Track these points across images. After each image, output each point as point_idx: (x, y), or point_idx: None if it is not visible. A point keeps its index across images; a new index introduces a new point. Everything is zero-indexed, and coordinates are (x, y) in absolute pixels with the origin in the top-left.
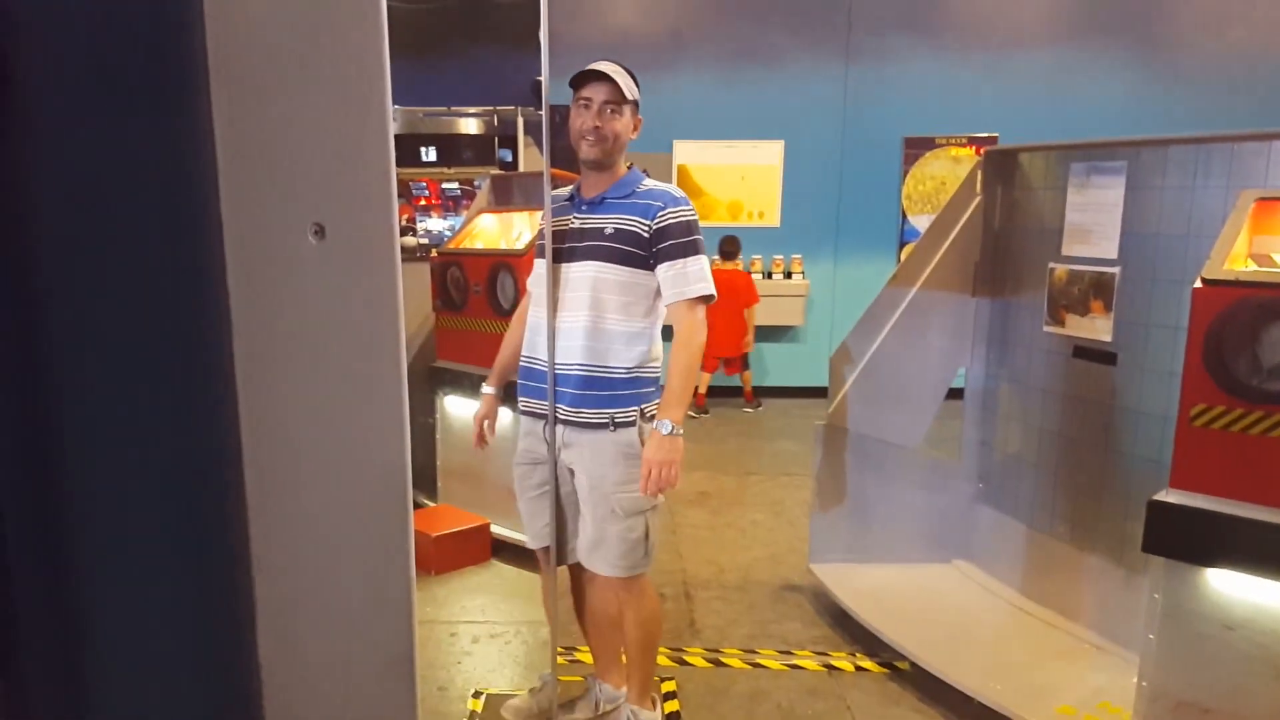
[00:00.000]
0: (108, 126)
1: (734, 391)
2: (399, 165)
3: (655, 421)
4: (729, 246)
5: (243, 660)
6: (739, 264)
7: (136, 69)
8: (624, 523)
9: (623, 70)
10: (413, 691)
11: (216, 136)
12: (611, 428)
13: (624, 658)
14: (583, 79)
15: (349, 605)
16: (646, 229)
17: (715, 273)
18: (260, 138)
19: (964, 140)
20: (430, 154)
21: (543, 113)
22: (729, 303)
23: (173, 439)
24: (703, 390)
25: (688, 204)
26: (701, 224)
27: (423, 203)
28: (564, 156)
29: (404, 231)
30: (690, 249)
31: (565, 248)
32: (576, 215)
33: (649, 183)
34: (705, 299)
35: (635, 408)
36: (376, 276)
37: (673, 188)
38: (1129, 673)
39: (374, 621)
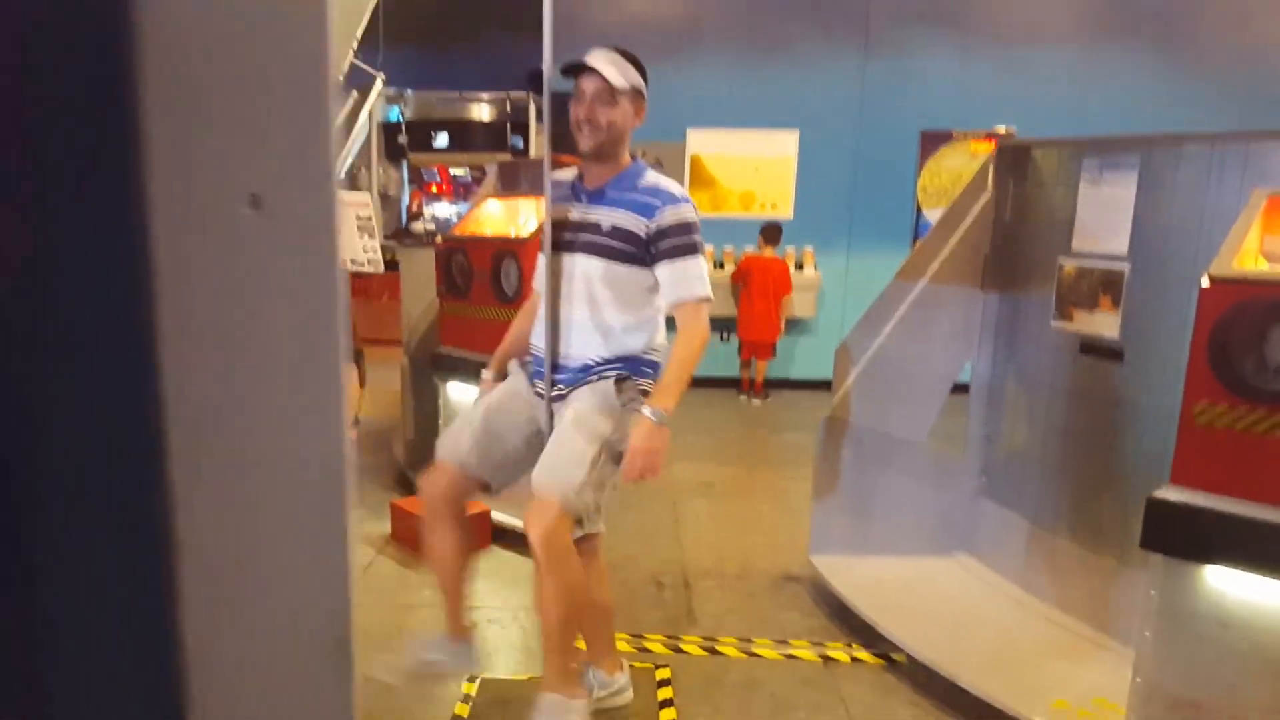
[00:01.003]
0: (18, 87)
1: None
2: (413, 150)
3: (645, 408)
4: (770, 233)
5: (166, 647)
6: (777, 251)
7: (52, 27)
8: (578, 437)
9: (619, 57)
10: (350, 676)
11: (141, 98)
12: (596, 379)
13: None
14: (574, 69)
15: (282, 590)
16: (644, 228)
17: (754, 258)
18: (190, 100)
19: (982, 134)
20: (442, 139)
21: (544, 100)
22: (766, 288)
23: (93, 422)
24: (759, 379)
25: (688, 202)
26: (715, 215)
27: (433, 189)
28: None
29: (413, 218)
30: (688, 249)
31: (565, 238)
32: (576, 205)
33: (651, 177)
34: (705, 300)
35: (626, 373)
36: (316, 249)
37: (674, 185)
38: (1127, 669)
39: (310, 606)
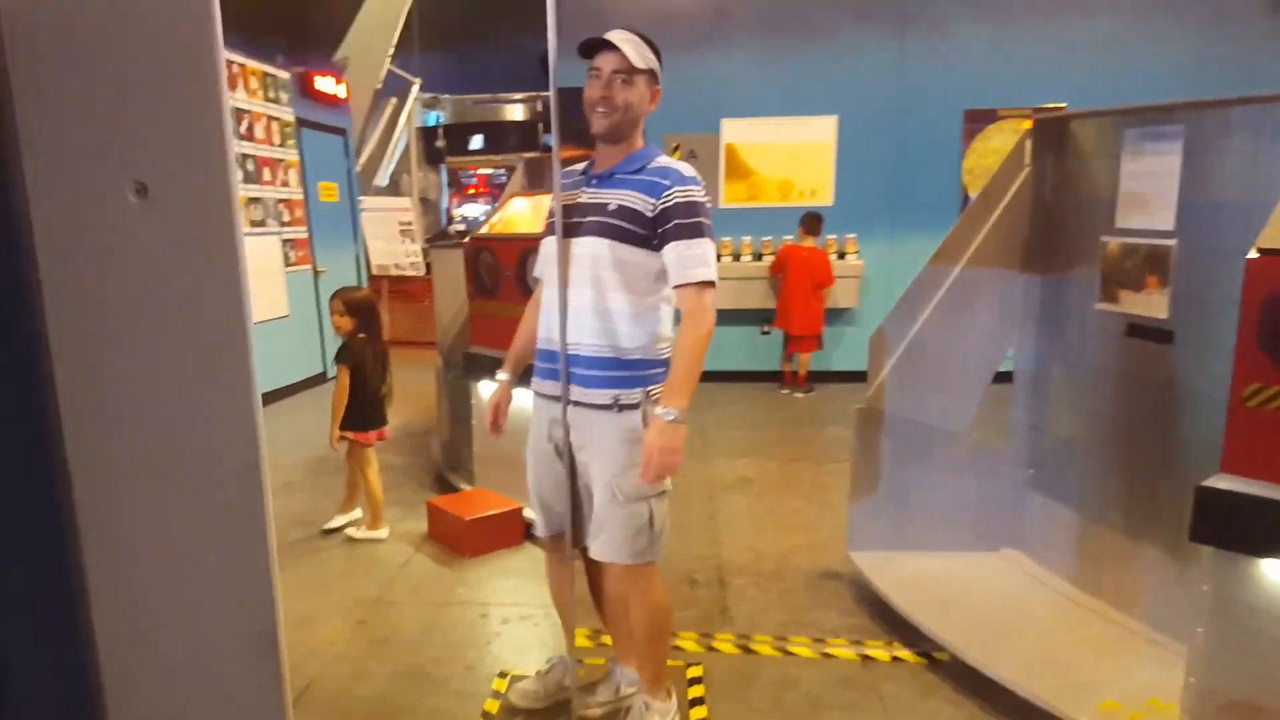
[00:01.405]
0: None
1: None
2: (450, 154)
3: (657, 407)
4: (811, 222)
5: (77, 650)
6: (817, 241)
7: None
8: (625, 509)
9: (637, 38)
10: (279, 669)
11: (11, 78)
12: (616, 409)
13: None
14: (592, 48)
15: (199, 585)
16: (651, 208)
17: (792, 249)
18: (66, 82)
19: (1029, 112)
20: (477, 141)
21: (550, 90)
22: (803, 280)
23: None
24: (802, 371)
25: (697, 183)
26: (752, 205)
27: (470, 191)
28: (588, 139)
29: (452, 220)
30: (694, 230)
31: (573, 222)
32: (586, 190)
33: (662, 159)
34: (709, 284)
35: (640, 389)
36: (212, 239)
37: (684, 166)
38: (1181, 668)
39: (231, 600)
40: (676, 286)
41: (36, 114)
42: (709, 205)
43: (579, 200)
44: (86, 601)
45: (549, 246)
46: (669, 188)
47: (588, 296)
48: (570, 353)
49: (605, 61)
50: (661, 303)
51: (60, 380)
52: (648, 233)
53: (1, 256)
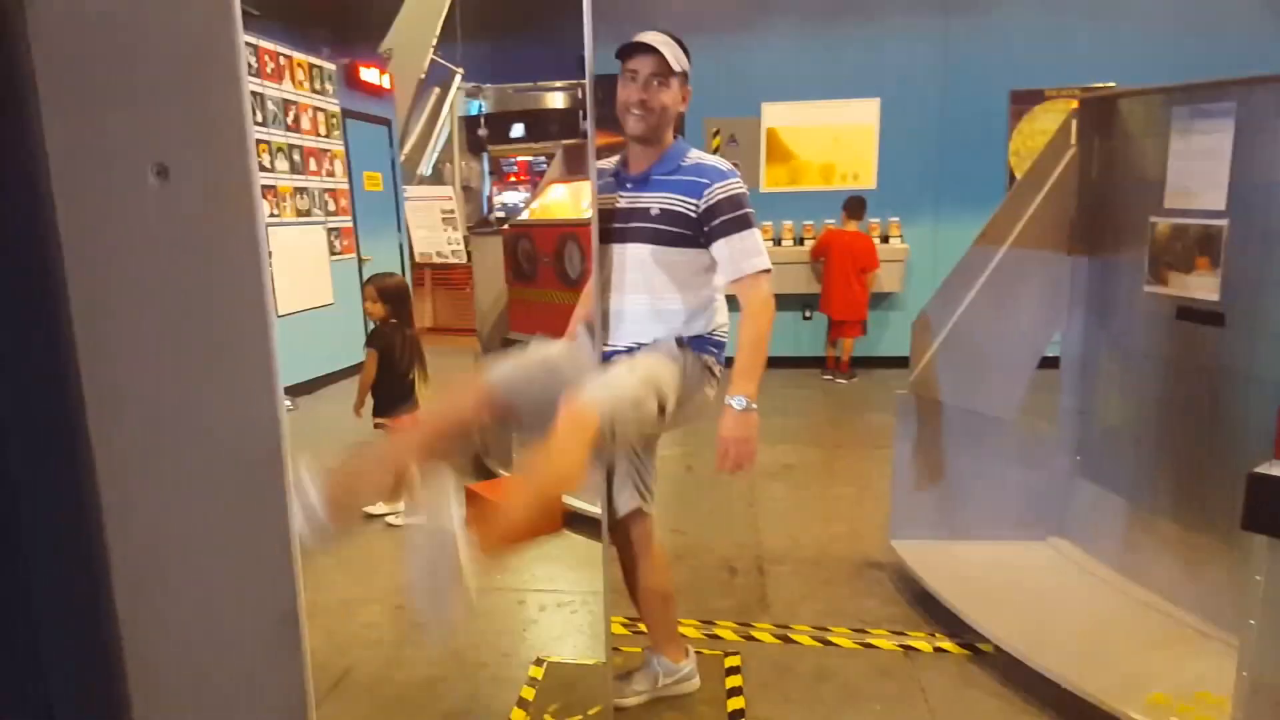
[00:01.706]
0: None
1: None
2: (491, 143)
3: (729, 398)
4: (854, 206)
5: (101, 631)
6: (860, 225)
7: None
8: (624, 373)
9: (671, 40)
10: (299, 650)
11: (35, 63)
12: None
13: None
14: (629, 50)
15: (219, 567)
16: (694, 208)
17: (835, 233)
18: (88, 64)
19: (1077, 91)
20: (518, 130)
21: (587, 84)
22: (845, 264)
23: (4, 410)
24: (845, 356)
25: (735, 176)
26: (794, 189)
27: (511, 178)
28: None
29: (491, 208)
30: (742, 223)
31: (614, 228)
32: (623, 194)
33: (694, 155)
34: (765, 272)
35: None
36: (232, 221)
37: (719, 161)
38: (1233, 661)
39: (251, 582)
40: (733, 281)
41: (60, 96)
42: (747, 194)
43: (618, 205)
44: (109, 579)
45: (604, 252)
46: (709, 186)
47: (644, 301)
48: (620, 348)
49: (642, 64)
50: (715, 292)
51: (83, 358)
52: (693, 232)
53: (26, 236)
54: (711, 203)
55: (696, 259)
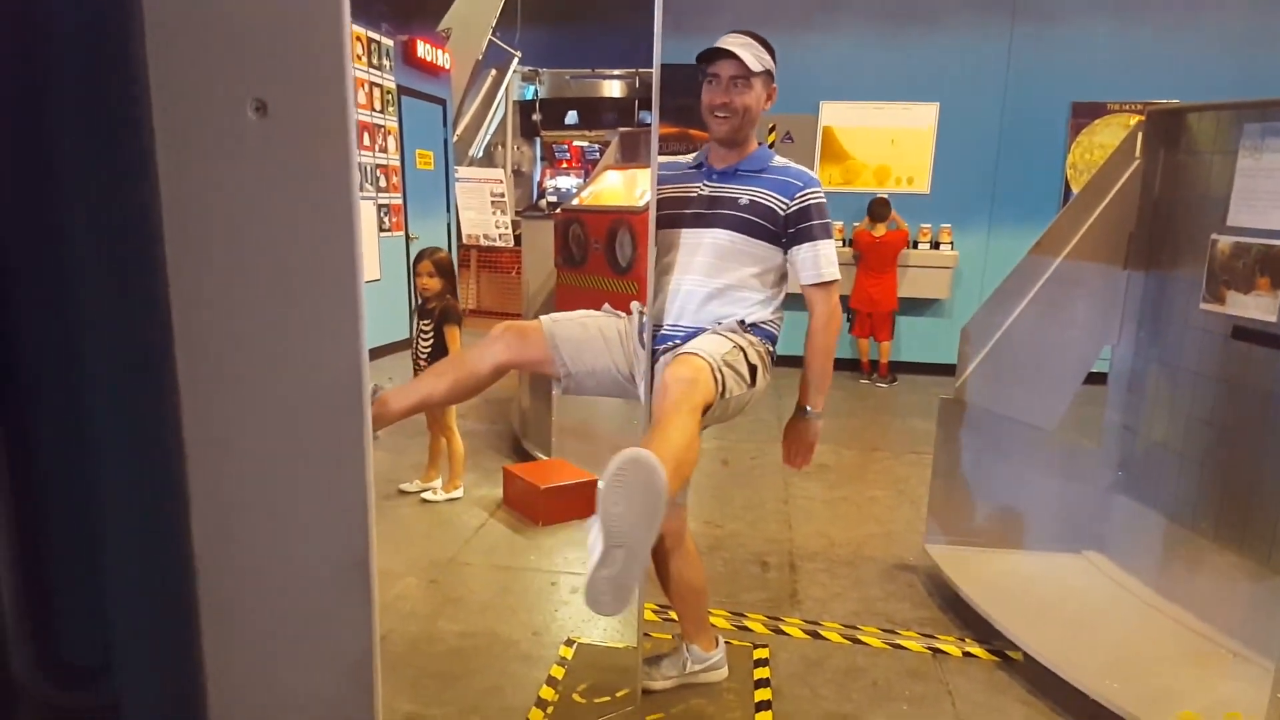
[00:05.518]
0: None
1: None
2: (545, 129)
3: (803, 405)
4: (877, 209)
5: (176, 566)
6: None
7: None
8: (708, 337)
9: (752, 40)
10: (369, 598)
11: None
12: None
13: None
14: (709, 55)
15: (298, 510)
16: (784, 206)
17: (863, 234)
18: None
19: (1139, 106)
20: (572, 116)
21: (654, 73)
22: (870, 263)
23: (100, 335)
24: (883, 360)
25: (820, 185)
26: (847, 189)
27: (563, 165)
28: (684, 117)
29: (544, 193)
30: (826, 232)
31: (691, 214)
32: (707, 183)
33: (780, 160)
34: (836, 281)
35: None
36: (328, 157)
37: (806, 169)
38: (1266, 684)
39: (328, 527)
40: (809, 285)
41: (163, 30)
42: None
43: (697, 193)
44: (188, 515)
45: (669, 238)
46: (801, 189)
47: (711, 284)
48: (677, 332)
49: (723, 67)
50: (779, 294)
51: (174, 290)
52: (776, 229)
53: (125, 169)
54: (803, 205)
55: (770, 255)
